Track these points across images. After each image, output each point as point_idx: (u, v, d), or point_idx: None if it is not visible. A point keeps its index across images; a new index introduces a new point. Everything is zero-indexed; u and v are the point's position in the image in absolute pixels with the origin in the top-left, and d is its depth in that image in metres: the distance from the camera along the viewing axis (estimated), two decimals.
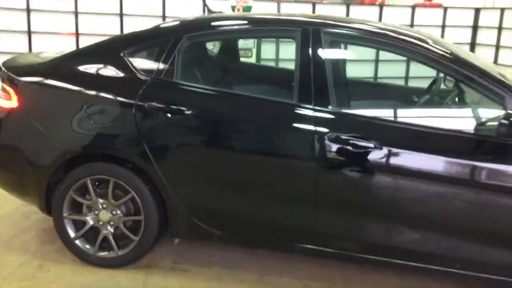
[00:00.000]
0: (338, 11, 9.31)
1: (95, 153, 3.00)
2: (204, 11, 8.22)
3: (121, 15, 8.45)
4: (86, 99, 2.95)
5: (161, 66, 2.94)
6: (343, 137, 2.64)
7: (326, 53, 2.82)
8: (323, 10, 9.25)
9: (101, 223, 3.05)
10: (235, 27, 3.16)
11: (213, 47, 3.80)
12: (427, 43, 2.80)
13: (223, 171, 2.86)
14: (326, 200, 2.74)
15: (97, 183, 3.03)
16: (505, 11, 9.60)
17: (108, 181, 2.98)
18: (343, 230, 2.80)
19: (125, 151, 2.92)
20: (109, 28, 8.19)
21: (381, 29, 2.96)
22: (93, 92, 2.96)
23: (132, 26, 8.18)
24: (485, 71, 2.65)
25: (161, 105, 2.84)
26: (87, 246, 3.09)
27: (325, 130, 2.67)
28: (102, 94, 2.94)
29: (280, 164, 2.80)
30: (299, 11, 8.98)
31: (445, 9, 9.99)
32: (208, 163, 2.87)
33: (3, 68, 3.18)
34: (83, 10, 8.41)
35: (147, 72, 2.95)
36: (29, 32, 8.42)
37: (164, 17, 8.53)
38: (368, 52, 7.40)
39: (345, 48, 3.37)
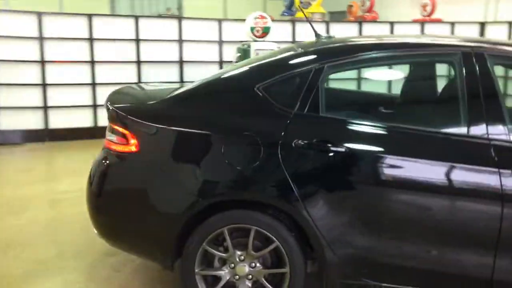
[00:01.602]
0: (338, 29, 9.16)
1: (235, 199, 2.69)
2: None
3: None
4: (222, 141, 2.65)
5: (303, 99, 2.66)
6: None
7: (493, 77, 2.59)
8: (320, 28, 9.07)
9: (237, 277, 2.73)
10: (383, 53, 2.84)
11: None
12: None
13: (393, 215, 2.57)
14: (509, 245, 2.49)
15: (231, 233, 2.71)
16: None
17: (247, 230, 2.66)
18: None
19: (270, 196, 2.61)
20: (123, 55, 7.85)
21: None
22: (229, 133, 2.66)
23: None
24: None
25: (312, 143, 2.56)
26: None
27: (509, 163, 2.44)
28: (240, 135, 2.64)
29: (461, 204, 2.55)
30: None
31: (452, 24, 10.03)
32: (374, 207, 2.58)
33: (114, 108, 2.85)
34: None
35: (288, 106, 2.66)
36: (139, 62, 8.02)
37: (180, 40, 8.21)
38: None
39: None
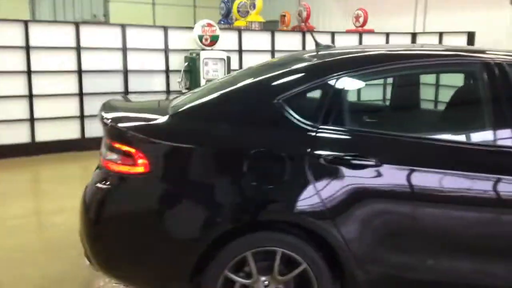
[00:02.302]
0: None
1: (261, 220, 2.50)
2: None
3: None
4: (244, 159, 2.46)
5: (326, 111, 2.55)
6: None
7: None
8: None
9: None
10: (404, 62, 2.74)
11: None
12: None
13: (428, 230, 2.50)
14: None
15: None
16: (443, 35, 10.21)
17: (269, 253, 2.49)
18: None
19: (299, 215, 2.45)
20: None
21: None
22: (251, 150, 2.47)
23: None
24: None
25: (341, 157, 2.44)
26: None
27: None
28: (263, 151, 2.47)
29: (502, 217, 2.53)
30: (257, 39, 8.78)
31: (387, 34, 10.37)
32: (407, 222, 2.50)
33: (119, 126, 2.57)
34: None
35: (312, 120, 2.53)
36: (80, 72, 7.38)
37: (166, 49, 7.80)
38: None
39: None
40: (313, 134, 2.49)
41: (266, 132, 2.53)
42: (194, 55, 7.76)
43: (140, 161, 2.47)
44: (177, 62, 8.00)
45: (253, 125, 2.55)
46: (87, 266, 2.77)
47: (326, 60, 2.82)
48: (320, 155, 2.43)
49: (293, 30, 10.98)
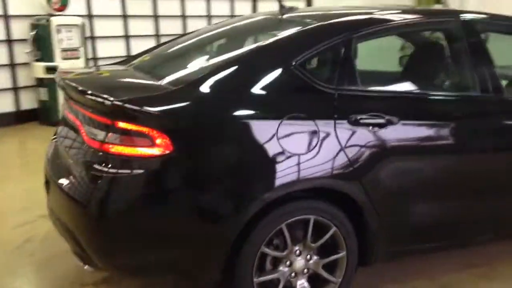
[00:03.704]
0: None
1: (299, 190, 2.38)
2: None
3: None
4: (274, 126, 2.29)
5: (340, 73, 2.51)
6: None
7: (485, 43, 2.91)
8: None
9: (293, 274, 2.47)
10: (404, 21, 2.84)
11: None
12: None
13: (442, 179, 2.68)
14: None
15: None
16: None
17: (305, 221, 2.42)
18: None
19: (332, 179, 2.41)
20: None
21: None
22: (279, 117, 2.31)
23: None
24: None
25: (364, 119, 2.44)
26: None
27: None
28: (291, 117, 2.33)
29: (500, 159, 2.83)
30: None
31: None
32: (424, 173, 2.64)
33: (124, 102, 2.18)
34: None
35: (329, 82, 2.47)
36: None
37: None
38: None
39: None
40: (334, 98, 2.44)
41: (291, 97, 2.42)
42: (43, 21, 6.84)
43: (159, 141, 2.14)
44: (21, 30, 6.96)
45: (277, 90, 2.40)
46: (81, 266, 2.36)
47: (334, 21, 2.74)
48: (345, 117, 2.40)
49: None
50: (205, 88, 2.29)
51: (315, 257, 2.51)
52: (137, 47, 7.60)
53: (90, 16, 7.74)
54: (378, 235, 2.58)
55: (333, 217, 2.46)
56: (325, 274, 2.53)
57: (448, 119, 2.68)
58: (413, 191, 2.62)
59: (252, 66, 2.45)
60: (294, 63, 2.42)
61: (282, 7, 3.09)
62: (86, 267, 2.42)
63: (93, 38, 7.78)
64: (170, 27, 8.52)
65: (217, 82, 2.32)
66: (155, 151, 2.15)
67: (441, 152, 2.67)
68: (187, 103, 2.24)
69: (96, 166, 2.21)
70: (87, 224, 2.27)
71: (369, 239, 2.58)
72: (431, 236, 2.80)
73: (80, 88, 2.40)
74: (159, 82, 2.42)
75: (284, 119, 2.30)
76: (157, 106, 2.19)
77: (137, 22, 8.22)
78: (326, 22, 2.72)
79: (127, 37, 8.16)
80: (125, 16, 8.10)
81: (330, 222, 2.46)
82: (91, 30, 7.75)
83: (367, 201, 2.48)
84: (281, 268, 2.44)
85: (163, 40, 7.60)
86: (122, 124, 2.18)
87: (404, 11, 2.98)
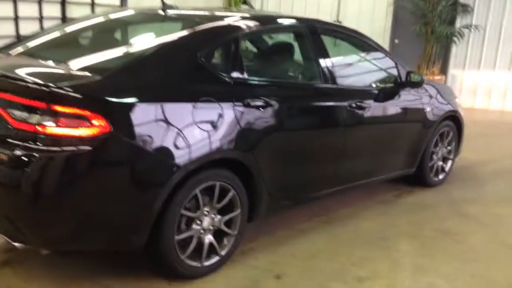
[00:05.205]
0: None
1: (211, 160, 2.89)
2: None
3: None
4: (189, 108, 2.79)
5: (233, 65, 3.11)
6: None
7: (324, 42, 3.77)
8: None
9: (202, 231, 2.98)
10: (276, 25, 3.61)
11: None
12: None
13: (300, 148, 3.49)
14: (350, 151, 3.82)
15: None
16: None
17: (212, 187, 2.95)
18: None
19: (235, 151, 3.00)
20: None
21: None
22: (193, 100, 2.83)
23: None
24: None
25: (253, 102, 3.08)
26: (194, 263, 2.96)
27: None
28: (203, 100, 2.86)
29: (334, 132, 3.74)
30: None
31: None
32: (292, 144, 3.41)
33: (60, 88, 2.42)
34: None
35: (226, 72, 3.08)
36: None
37: None
38: None
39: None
40: (230, 85, 3.06)
41: (201, 85, 2.93)
42: None
43: (95, 122, 2.44)
44: None
45: (188, 80, 2.89)
46: (19, 246, 2.52)
47: (230, 19, 3.34)
48: (239, 101, 3.01)
49: None
50: (130, 76, 2.70)
51: (218, 216, 3.05)
52: None
53: None
54: (262, 195, 3.25)
55: (233, 182, 3.04)
56: (225, 229, 3.09)
57: (302, 101, 3.55)
58: (284, 157, 3.36)
59: (167, 58, 2.89)
60: (199, 55, 2.92)
61: (164, 4, 3.55)
62: (17, 244, 2.56)
63: None
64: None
65: (140, 72, 2.75)
66: (92, 131, 2.44)
67: (302, 127, 3.50)
68: (119, 89, 2.59)
69: (31, 146, 2.39)
70: (26, 202, 2.43)
71: (256, 199, 3.22)
72: (296, 193, 3.59)
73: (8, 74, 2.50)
74: (67, 69, 2.72)
75: (198, 102, 2.79)
76: (94, 92, 2.49)
77: None
78: (221, 22, 3.30)
79: None
80: None
81: (231, 186, 3.03)
82: None
83: (257, 168, 3.11)
84: (194, 226, 2.93)
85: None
86: (59, 108, 2.40)
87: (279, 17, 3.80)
